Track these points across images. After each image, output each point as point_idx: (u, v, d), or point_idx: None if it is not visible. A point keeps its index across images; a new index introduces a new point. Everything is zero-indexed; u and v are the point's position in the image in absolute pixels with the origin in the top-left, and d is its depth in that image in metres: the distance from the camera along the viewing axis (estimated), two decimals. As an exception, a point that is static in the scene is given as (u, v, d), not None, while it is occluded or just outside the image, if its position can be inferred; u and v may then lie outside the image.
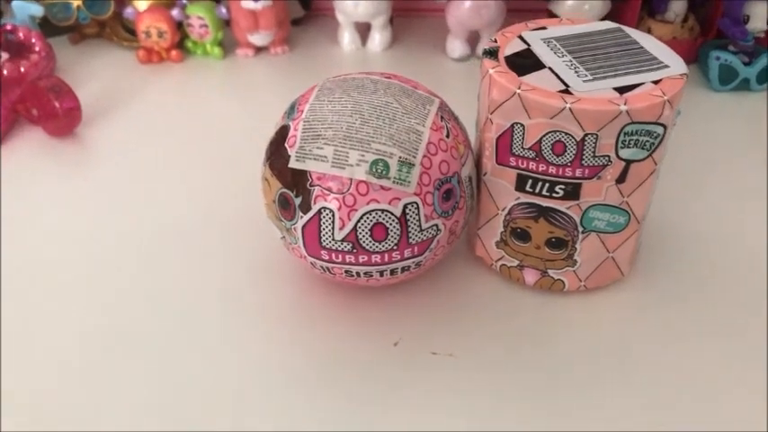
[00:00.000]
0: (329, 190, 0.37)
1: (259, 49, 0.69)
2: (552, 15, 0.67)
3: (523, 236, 0.42)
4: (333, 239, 0.37)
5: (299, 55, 0.70)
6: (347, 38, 0.69)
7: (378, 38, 0.69)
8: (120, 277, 0.45)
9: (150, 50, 0.67)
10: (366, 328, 0.41)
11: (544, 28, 0.43)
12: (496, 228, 0.43)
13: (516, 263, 0.43)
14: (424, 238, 0.38)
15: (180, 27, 0.67)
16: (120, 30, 0.69)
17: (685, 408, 0.37)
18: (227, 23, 0.68)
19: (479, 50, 0.67)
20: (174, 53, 0.67)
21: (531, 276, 0.43)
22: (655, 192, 0.42)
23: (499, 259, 0.44)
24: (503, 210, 0.42)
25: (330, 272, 0.40)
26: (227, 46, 0.70)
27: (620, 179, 0.38)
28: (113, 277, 0.45)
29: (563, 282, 0.43)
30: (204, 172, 0.54)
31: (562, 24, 0.43)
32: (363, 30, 0.70)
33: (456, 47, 0.67)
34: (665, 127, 0.37)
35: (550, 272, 0.43)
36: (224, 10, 0.66)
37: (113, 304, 0.43)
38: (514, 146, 0.39)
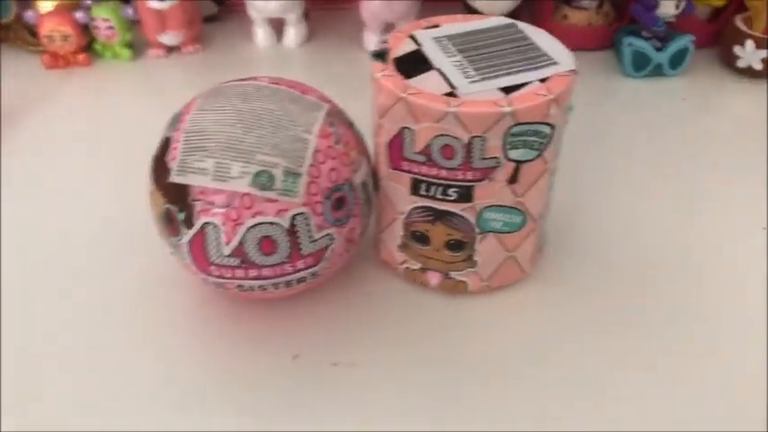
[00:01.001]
0: (212, 204, 0.35)
1: (171, 49, 0.67)
2: (468, 6, 0.66)
3: (423, 239, 0.41)
4: (220, 255, 0.36)
5: (213, 53, 0.68)
6: (261, 34, 0.68)
7: (292, 33, 0.67)
8: (15, 289, 0.43)
9: (56, 55, 0.64)
10: (265, 342, 0.40)
11: (437, 26, 0.42)
12: (397, 231, 0.42)
13: (419, 266, 0.43)
14: (318, 249, 0.37)
15: (86, 29, 0.65)
16: (24, 33, 0.67)
17: (590, 403, 0.37)
18: (134, 24, 0.66)
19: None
20: (81, 57, 0.65)
21: (434, 279, 0.43)
22: (552, 188, 0.41)
23: (403, 262, 0.43)
24: (401, 214, 0.41)
25: (223, 287, 0.39)
26: (138, 46, 0.67)
27: (512, 180, 0.38)
28: (8, 289, 0.43)
29: (466, 283, 0.42)
30: (115, 180, 0.52)
31: (456, 22, 0.42)
32: (279, 25, 0.68)
33: (372, 40, 0.66)
34: (552, 126, 0.37)
35: (453, 273, 0.42)
36: (130, 10, 0.64)
37: (6, 318, 0.41)
38: (405, 150, 0.38)
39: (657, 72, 0.63)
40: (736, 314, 0.42)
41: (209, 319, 0.42)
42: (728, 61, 0.63)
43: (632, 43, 0.61)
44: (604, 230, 0.47)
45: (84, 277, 0.44)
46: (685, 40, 0.61)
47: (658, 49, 0.62)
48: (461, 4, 0.67)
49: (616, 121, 0.58)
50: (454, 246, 0.41)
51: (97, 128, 0.58)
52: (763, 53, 0.60)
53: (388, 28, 0.66)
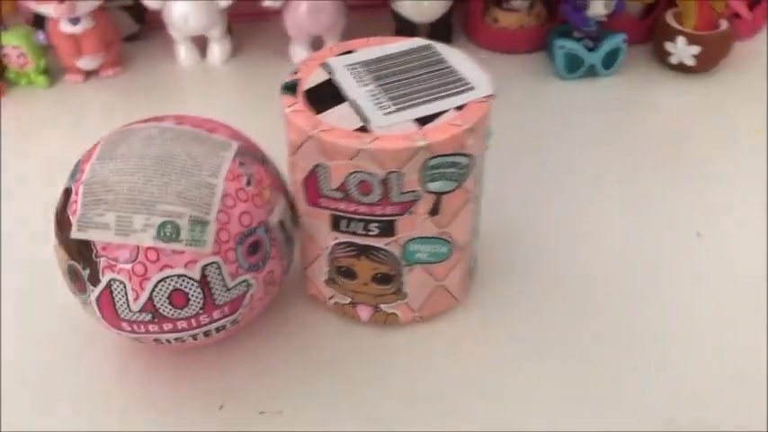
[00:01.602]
0: (116, 260, 0.33)
1: (89, 73, 0.64)
2: (396, 14, 0.65)
3: (349, 274, 0.40)
4: (130, 311, 0.34)
5: (135, 75, 0.65)
6: (183, 53, 0.65)
7: (217, 50, 0.65)
8: None
9: (-34, 86, 0.61)
10: (189, 393, 0.38)
11: (351, 51, 0.40)
12: (322, 267, 0.40)
13: (348, 300, 0.41)
14: (234, 297, 0.36)
15: (-3, 57, 0.62)
16: (-68, 64, 0.63)
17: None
18: (48, 48, 0.63)
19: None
20: (-7, 86, 0.62)
21: (364, 312, 0.41)
22: (479, 213, 0.40)
23: (331, 297, 0.42)
24: (325, 249, 0.39)
25: (139, 341, 0.37)
26: (55, 71, 0.64)
27: (434, 211, 0.37)
28: None
29: (397, 315, 0.41)
30: (36, 218, 0.49)
31: (369, 46, 0.41)
32: (202, 42, 0.66)
33: (298, 53, 0.64)
34: (470, 156, 0.35)
35: (383, 306, 0.41)
36: (41, 36, 0.61)
37: None
38: (322, 187, 0.36)
39: (591, 73, 0.62)
40: (678, 326, 0.41)
41: (130, 370, 0.40)
42: (661, 58, 0.63)
43: (564, 45, 0.60)
44: (539, 247, 0.46)
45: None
46: (617, 40, 0.60)
47: (590, 50, 0.61)
48: (389, 13, 0.65)
49: (550, 126, 0.57)
50: (382, 279, 0.39)
51: (15, 159, 0.55)
52: (694, 49, 0.60)
53: (315, 41, 0.64)
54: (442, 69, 0.38)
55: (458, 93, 0.37)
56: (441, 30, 0.65)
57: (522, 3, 0.65)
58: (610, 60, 0.61)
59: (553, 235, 0.47)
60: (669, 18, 0.62)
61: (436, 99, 0.36)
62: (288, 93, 0.37)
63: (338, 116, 0.36)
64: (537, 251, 0.46)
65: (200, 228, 0.34)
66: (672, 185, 0.51)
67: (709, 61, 0.61)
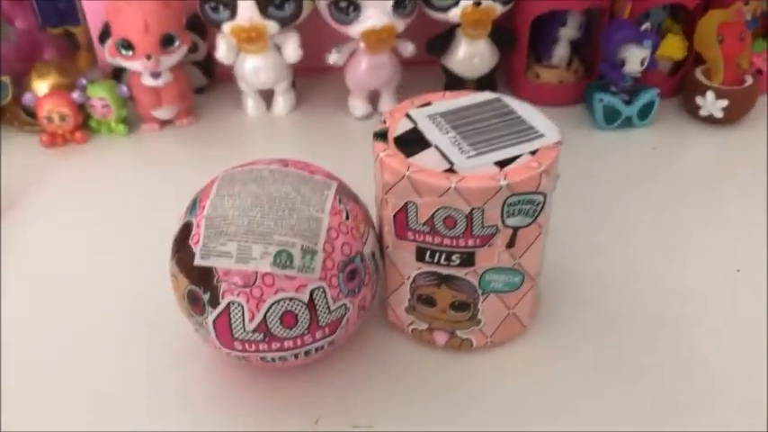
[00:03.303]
0: (236, 284, 0.38)
1: (164, 122, 0.70)
2: (446, 69, 0.70)
3: (429, 301, 0.44)
4: (244, 331, 0.39)
5: (206, 124, 0.71)
6: (251, 105, 0.71)
7: (281, 102, 0.71)
8: (41, 376, 0.45)
9: (54, 134, 0.67)
10: (287, 409, 0.43)
11: (429, 104, 0.45)
12: (404, 295, 0.45)
13: (426, 326, 0.45)
14: (334, 319, 0.40)
15: (82, 108, 0.67)
16: (20, 114, 0.69)
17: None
18: (129, 100, 0.69)
19: (381, 108, 0.70)
20: (78, 134, 0.67)
21: (440, 338, 0.45)
22: (546, 247, 0.45)
23: (410, 324, 0.46)
24: (408, 278, 0.44)
25: (246, 360, 0.41)
26: (132, 120, 0.70)
27: (510, 244, 0.41)
28: (37, 375, 0.45)
29: (471, 340, 0.45)
30: (121, 258, 0.54)
31: (445, 99, 0.46)
32: (267, 94, 0.72)
33: (357, 106, 0.70)
34: (544, 195, 0.40)
35: (458, 332, 0.45)
36: (125, 88, 0.67)
37: (37, 402, 0.43)
38: (410, 222, 0.41)
39: (627, 124, 0.67)
40: (731, 356, 0.45)
41: (233, 389, 0.44)
42: (691, 110, 0.68)
43: (603, 99, 0.66)
44: (592, 279, 0.51)
45: (101, 360, 0.46)
46: (652, 94, 0.66)
47: (627, 103, 0.66)
48: (440, 69, 0.71)
49: (593, 173, 0.62)
50: (459, 306, 0.44)
51: (99, 204, 0.60)
52: (722, 102, 0.65)
53: (374, 93, 0.70)
54: (513, 119, 0.44)
55: (530, 139, 0.42)
56: (486, 84, 0.70)
57: (561, 60, 0.71)
58: (645, 112, 0.67)
59: (607, 272, 0.52)
60: (699, 74, 0.67)
61: (511, 145, 0.41)
62: (379, 140, 0.42)
63: (426, 159, 0.41)
64: (591, 286, 0.50)
65: (311, 256, 0.38)
66: (709, 226, 0.56)
67: (736, 113, 0.66)
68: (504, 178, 0.39)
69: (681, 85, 0.70)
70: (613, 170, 0.63)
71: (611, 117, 0.67)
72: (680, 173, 0.63)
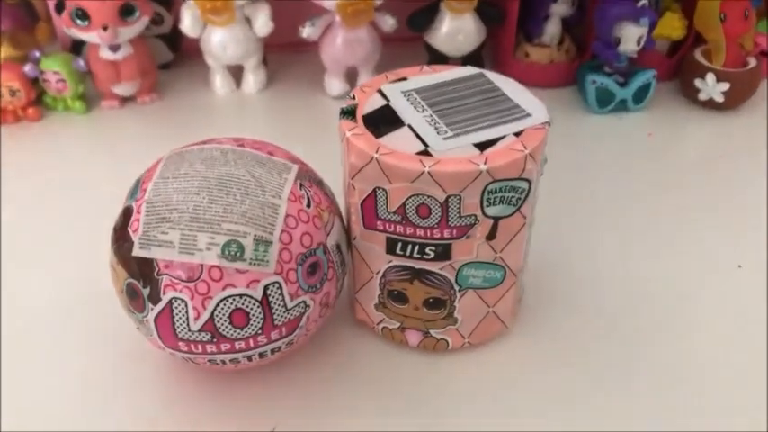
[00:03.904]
0: (179, 278, 0.34)
1: (126, 99, 0.65)
2: (429, 47, 0.66)
3: (401, 298, 0.40)
4: (189, 330, 0.34)
5: (171, 102, 0.66)
6: (219, 81, 0.66)
7: (252, 79, 0.66)
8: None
9: (4, 110, 0.62)
10: (241, 414, 0.38)
11: (404, 79, 0.41)
12: (373, 291, 0.40)
13: (398, 324, 0.41)
14: (292, 317, 0.36)
15: (36, 83, 0.62)
16: (-32, 88, 0.64)
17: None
18: (87, 75, 0.64)
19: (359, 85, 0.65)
20: (31, 111, 0.62)
21: (413, 338, 0.41)
22: (530, 240, 0.40)
23: (380, 322, 0.42)
24: (377, 273, 0.39)
25: (193, 361, 0.36)
26: (91, 97, 0.65)
27: (491, 236, 0.37)
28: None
29: (446, 341, 0.41)
30: (69, 246, 0.49)
31: (423, 73, 0.41)
32: (237, 71, 0.67)
33: (334, 84, 0.65)
34: (529, 181, 0.36)
35: (432, 332, 0.41)
36: (81, 62, 0.62)
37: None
38: (379, 210, 0.37)
39: (621, 107, 0.63)
40: (723, 356, 0.41)
41: (181, 393, 0.39)
42: (689, 94, 0.64)
43: (596, 80, 0.61)
44: (581, 275, 0.47)
45: (44, 351, 0.42)
46: (648, 76, 0.62)
47: (621, 85, 0.62)
48: (423, 46, 0.66)
49: (584, 159, 0.58)
50: (433, 304, 0.39)
51: (52, 185, 0.56)
52: (723, 86, 0.61)
53: (350, 72, 0.65)
54: (496, 96, 0.39)
55: (514, 119, 0.37)
56: (472, 63, 0.65)
57: (552, 38, 0.66)
58: (640, 95, 0.63)
59: (594, 266, 0.47)
60: (698, 56, 0.63)
61: (493, 125, 0.37)
62: (347, 117, 0.38)
63: (398, 140, 0.36)
64: (578, 281, 0.46)
65: (264, 247, 0.34)
66: (708, 218, 0.52)
67: (737, 98, 0.62)
68: (485, 162, 0.34)
69: (679, 66, 0.66)
70: (606, 157, 0.59)
71: (605, 100, 0.62)
72: (677, 160, 0.58)
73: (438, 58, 0.66)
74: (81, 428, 0.38)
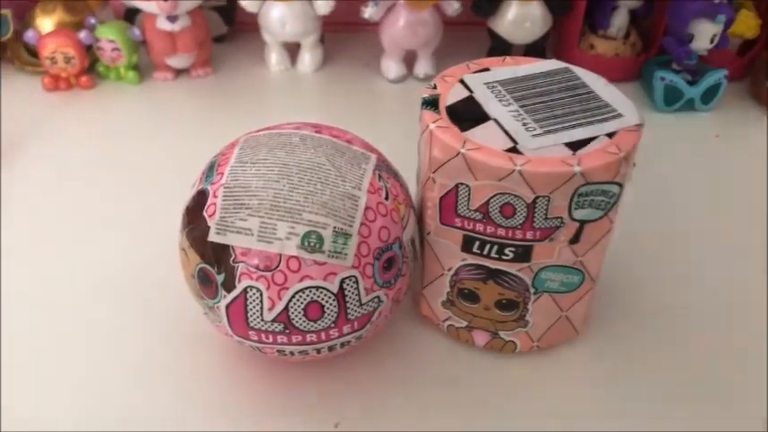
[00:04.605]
0: (256, 267, 0.32)
1: (179, 72, 0.64)
2: (492, 33, 0.64)
3: (472, 297, 0.38)
4: (262, 320, 0.33)
5: (224, 77, 0.64)
6: (275, 58, 0.64)
7: (308, 58, 0.64)
8: (30, 346, 0.40)
9: (57, 77, 0.61)
10: (303, 409, 0.37)
11: (487, 69, 0.39)
12: (442, 288, 0.39)
13: (465, 323, 0.40)
14: (365, 312, 0.35)
15: (89, 50, 0.61)
16: (22, 53, 0.63)
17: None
18: (141, 45, 0.62)
19: (417, 71, 0.64)
20: (83, 79, 0.61)
21: (480, 338, 0.40)
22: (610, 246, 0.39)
23: (446, 319, 0.40)
24: (449, 270, 0.38)
25: (261, 351, 0.36)
26: (144, 68, 0.64)
27: (574, 240, 0.35)
28: (25, 347, 0.40)
29: (515, 343, 0.40)
30: (122, 219, 0.48)
31: (505, 65, 0.40)
32: (292, 48, 0.65)
33: (391, 67, 0.63)
34: (621, 185, 0.34)
35: (501, 333, 0.39)
36: (137, 31, 0.61)
37: (26, 377, 0.38)
38: (459, 207, 0.35)
39: (688, 106, 0.61)
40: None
41: (243, 382, 0.38)
42: (759, 96, 0.62)
43: (665, 77, 0.59)
44: (653, 283, 0.45)
45: (98, 330, 0.41)
46: (719, 75, 0.59)
47: (690, 84, 0.60)
48: (485, 32, 0.64)
49: (647, 160, 0.56)
50: (506, 305, 0.38)
51: (103, 156, 0.55)
52: (797, 89, 0.59)
53: (410, 54, 0.63)
54: (585, 94, 0.37)
55: (606, 119, 0.36)
56: (535, 52, 0.64)
57: (618, 31, 0.64)
58: (709, 96, 0.60)
59: (667, 274, 0.46)
60: (772, 56, 0.61)
61: (584, 124, 0.35)
62: (428, 107, 0.36)
63: (484, 135, 0.35)
64: (650, 289, 0.45)
65: (343, 240, 0.33)
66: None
67: (810, 102, 0.60)
68: (578, 164, 0.33)
69: (749, 66, 0.63)
70: (670, 158, 0.57)
71: (672, 98, 0.60)
72: (745, 166, 0.56)
73: (500, 45, 0.64)
74: (137, 412, 0.37)
